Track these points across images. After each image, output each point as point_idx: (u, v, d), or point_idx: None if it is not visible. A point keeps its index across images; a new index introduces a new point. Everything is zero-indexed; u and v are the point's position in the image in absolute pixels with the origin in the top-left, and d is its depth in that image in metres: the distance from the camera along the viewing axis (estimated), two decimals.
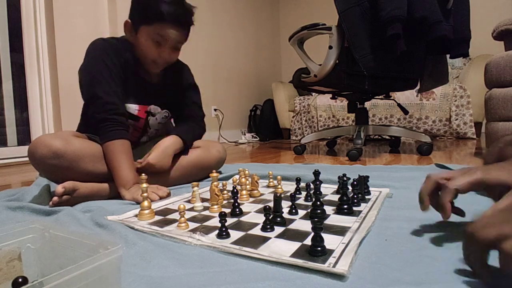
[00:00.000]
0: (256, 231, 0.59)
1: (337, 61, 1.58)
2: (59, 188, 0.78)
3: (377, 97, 1.90)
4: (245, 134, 3.39)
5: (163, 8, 0.90)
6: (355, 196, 0.73)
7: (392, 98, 1.93)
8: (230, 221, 0.64)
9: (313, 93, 3.15)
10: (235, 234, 0.57)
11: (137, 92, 1.03)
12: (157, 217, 0.70)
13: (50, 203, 0.79)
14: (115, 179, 0.88)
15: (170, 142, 1.00)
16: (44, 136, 0.84)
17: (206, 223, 0.65)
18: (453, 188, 0.48)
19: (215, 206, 0.73)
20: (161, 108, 1.10)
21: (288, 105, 3.32)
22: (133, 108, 1.03)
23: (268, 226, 0.58)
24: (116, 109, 0.92)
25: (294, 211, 0.68)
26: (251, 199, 0.83)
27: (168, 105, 1.12)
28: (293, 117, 3.27)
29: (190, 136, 1.08)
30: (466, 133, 2.54)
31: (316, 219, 0.47)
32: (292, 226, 0.61)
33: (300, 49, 1.75)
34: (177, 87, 1.13)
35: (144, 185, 0.71)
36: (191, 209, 0.75)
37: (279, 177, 0.89)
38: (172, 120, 1.19)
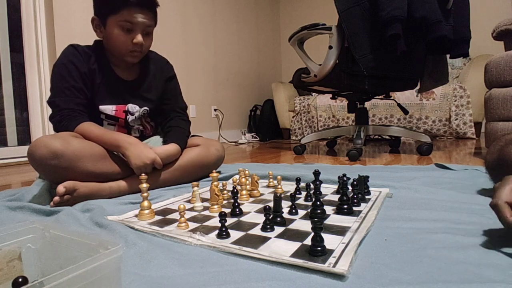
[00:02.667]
0: (256, 231, 0.59)
1: (337, 61, 1.58)
2: (60, 187, 0.78)
3: (377, 97, 1.89)
4: (245, 134, 3.39)
5: None
6: (355, 196, 0.73)
7: (392, 98, 1.93)
8: (230, 221, 0.64)
9: (313, 93, 3.15)
10: (235, 234, 0.57)
11: (113, 93, 1.03)
12: (157, 217, 0.70)
13: (51, 203, 0.79)
14: (114, 144, 0.91)
15: (172, 150, 1.02)
16: (44, 137, 0.84)
17: (206, 223, 0.65)
18: None
19: (215, 206, 0.73)
20: (141, 105, 1.09)
21: (288, 105, 3.32)
22: (109, 109, 1.03)
23: (268, 226, 0.58)
24: (72, 112, 0.94)
25: (294, 211, 0.68)
26: (251, 199, 0.83)
27: (148, 100, 1.11)
28: (293, 117, 3.27)
29: (185, 141, 1.10)
30: (466, 133, 2.54)
31: (316, 219, 0.48)
32: (292, 226, 0.61)
33: (300, 49, 1.75)
34: (156, 81, 1.13)
35: (144, 185, 0.71)
36: (191, 209, 0.75)
37: (279, 177, 0.89)
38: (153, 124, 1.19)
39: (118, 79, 1.04)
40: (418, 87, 1.83)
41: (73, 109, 0.95)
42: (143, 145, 0.95)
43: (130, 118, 1.08)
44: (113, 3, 0.94)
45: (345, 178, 0.72)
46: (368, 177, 0.85)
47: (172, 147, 1.02)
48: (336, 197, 0.79)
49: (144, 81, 1.09)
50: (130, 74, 1.07)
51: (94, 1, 1.00)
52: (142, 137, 1.13)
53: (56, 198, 0.78)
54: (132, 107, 1.07)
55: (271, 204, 0.63)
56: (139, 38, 0.97)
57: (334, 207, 0.71)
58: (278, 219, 0.62)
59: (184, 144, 1.09)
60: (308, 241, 0.52)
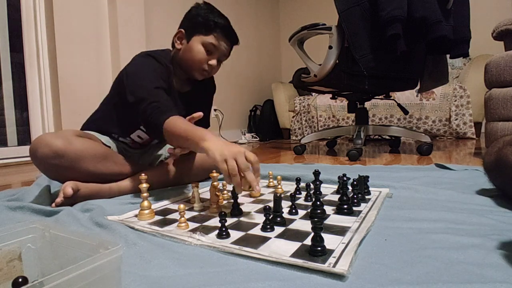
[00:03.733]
0: (256, 231, 0.59)
1: (337, 61, 1.58)
2: (68, 189, 0.78)
3: (377, 97, 1.89)
4: (245, 134, 3.39)
5: (222, 24, 1.00)
6: (355, 196, 0.73)
7: (392, 98, 1.93)
8: (230, 221, 0.64)
9: (313, 93, 3.15)
10: (235, 234, 0.57)
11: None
12: (157, 217, 0.70)
13: (53, 204, 0.79)
14: (194, 139, 0.78)
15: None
16: (46, 135, 0.84)
17: (206, 223, 0.65)
18: None
19: (215, 206, 0.73)
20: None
21: (288, 105, 3.32)
22: None
23: (268, 226, 0.58)
24: (160, 105, 0.88)
25: (294, 211, 0.68)
26: (251, 199, 0.83)
27: (188, 114, 1.11)
28: (293, 117, 3.27)
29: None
30: (466, 133, 2.54)
31: (316, 219, 0.48)
32: (292, 226, 0.61)
33: (300, 49, 1.75)
34: (205, 95, 1.21)
35: (144, 185, 0.71)
36: (191, 209, 0.75)
37: (279, 177, 0.89)
38: None
39: (175, 90, 1.06)
40: (418, 87, 1.83)
41: (165, 103, 0.89)
42: (225, 141, 0.81)
43: None
44: (207, 26, 0.99)
45: (345, 178, 0.72)
46: (368, 177, 0.85)
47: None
48: (336, 197, 0.79)
49: (195, 95, 1.13)
50: (185, 87, 1.11)
51: (186, 17, 1.04)
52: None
53: (58, 200, 0.78)
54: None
55: (271, 204, 0.63)
56: (214, 62, 1.02)
57: (334, 207, 0.71)
58: (278, 219, 0.62)
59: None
60: (308, 241, 0.52)
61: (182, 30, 1.04)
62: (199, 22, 1.01)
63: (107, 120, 1.04)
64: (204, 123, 1.16)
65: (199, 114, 0.87)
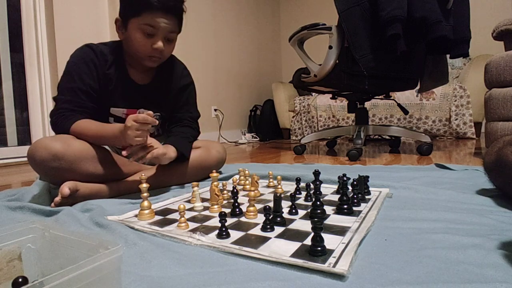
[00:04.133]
0: (256, 231, 0.59)
1: (337, 61, 1.58)
2: (65, 188, 0.78)
3: (377, 97, 1.89)
4: (245, 134, 3.39)
5: None
6: (355, 196, 0.73)
7: (392, 98, 1.93)
8: (230, 221, 0.64)
9: (313, 93, 3.15)
10: (235, 234, 0.57)
11: (125, 96, 1.01)
12: (157, 217, 0.70)
13: (52, 204, 0.79)
14: (109, 135, 0.87)
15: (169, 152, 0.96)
16: (44, 138, 0.84)
17: (206, 223, 0.65)
18: None
19: (215, 206, 0.73)
20: (153, 110, 1.07)
21: (288, 105, 3.32)
22: (120, 111, 1.02)
23: (268, 226, 0.58)
24: (69, 112, 0.92)
25: (294, 211, 0.68)
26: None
27: (161, 106, 1.09)
28: (293, 117, 3.27)
29: (186, 147, 1.04)
30: (466, 133, 2.54)
31: (316, 219, 0.48)
32: (292, 226, 0.61)
33: (300, 49, 1.75)
34: (170, 88, 1.09)
35: (144, 185, 0.71)
36: (191, 209, 0.75)
37: (279, 177, 0.89)
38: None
39: (132, 82, 1.01)
40: (418, 87, 1.83)
41: (71, 110, 0.92)
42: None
43: None
44: (136, 5, 0.89)
45: (345, 178, 0.72)
46: (368, 177, 0.85)
47: (168, 149, 0.96)
48: (336, 197, 0.79)
49: (159, 86, 1.06)
50: (145, 78, 1.04)
51: (120, 2, 0.95)
52: None
53: (57, 199, 0.78)
54: (143, 111, 1.06)
55: (271, 204, 0.63)
56: (159, 44, 0.93)
57: (334, 207, 0.71)
58: (278, 219, 0.62)
59: (185, 148, 1.02)
60: (308, 241, 0.52)
61: (119, 18, 0.95)
62: (128, 3, 0.91)
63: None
64: (188, 121, 1.12)
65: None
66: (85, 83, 0.94)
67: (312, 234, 0.48)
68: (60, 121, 0.91)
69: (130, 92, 1.02)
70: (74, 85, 0.93)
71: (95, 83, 0.96)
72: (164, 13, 0.90)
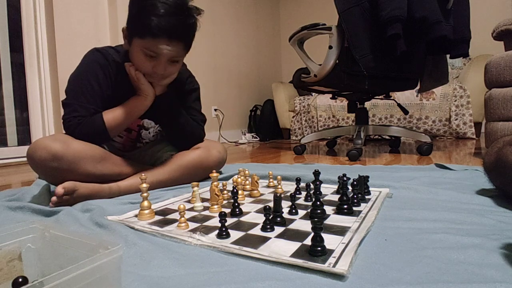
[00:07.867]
0: (256, 231, 0.59)
1: (337, 61, 1.58)
2: (59, 188, 0.78)
3: (377, 97, 1.90)
4: (245, 134, 3.39)
5: (154, 23, 0.82)
6: (355, 196, 0.73)
7: (392, 98, 1.93)
8: (230, 221, 0.64)
9: (313, 93, 3.15)
10: (235, 234, 0.57)
11: None
12: (157, 217, 0.70)
13: (50, 203, 0.79)
14: (136, 106, 0.95)
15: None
16: (43, 138, 0.83)
17: (206, 223, 0.65)
18: None
19: (215, 206, 0.73)
20: (156, 121, 1.07)
21: (288, 105, 3.32)
22: None
23: (268, 226, 0.58)
24: (84, 118, 0.92)
25: (294, 211, 0.68)
26: (251, 199, 0.83)
27: (153, 116, 1.07)
28: (293, 117, 3.27)
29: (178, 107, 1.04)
30: (466, 133, 2.54)
31: (316, 219, 0.47)
32: (292, 226, 0.61)
33: (300, 49, 1.75)
34: (176, 98, 1.06)
35: (144, 185, 0.71)
36: (191, 209, 0.75)
37: (279, 177, 0.89)
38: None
39: (131, 88, 1.00)
40: (418, 87, 1.83)
41: (85, 117, 0.92)
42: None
43: (143, 132, 1.07)
44: (140, 27, 0.84)
45: (345, 178, 0.72)
46: (368, 177, 0.85)
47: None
48: (336, 197, 0.79)
49: (164, 97, 1.02)
50: None
51: (128, 15, 0.90)
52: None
53: (54, 199, 0.78)
54: (148, 122, 1.06)
55: (271, 204, 0.63)
56: (159, 69, 0.89)
57: (334, 207, 0.70)
58: (278, 219, 0.62)
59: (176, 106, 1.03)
60: (308, 241, 0.52)
61: (125, 29, 0.91)
62: (134, 22, 0.86)
63: None
64: (193, 115, 1.12)
65: None
66: (102, 88, 0.94)
67: (312, 234, 0.48)
68: (89, 124, 0.91)
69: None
70: (90, 89, 0.93)
71: (108, 89, 0.96)
72: (168, 40, 0.85)
